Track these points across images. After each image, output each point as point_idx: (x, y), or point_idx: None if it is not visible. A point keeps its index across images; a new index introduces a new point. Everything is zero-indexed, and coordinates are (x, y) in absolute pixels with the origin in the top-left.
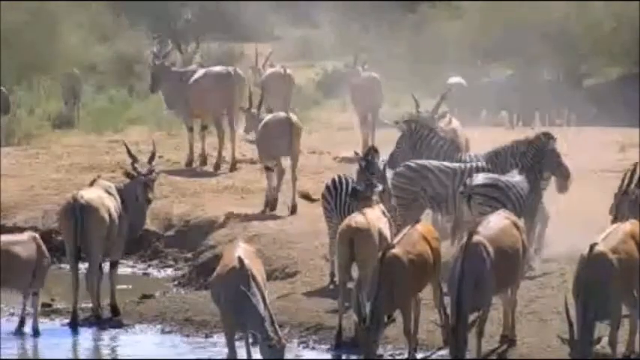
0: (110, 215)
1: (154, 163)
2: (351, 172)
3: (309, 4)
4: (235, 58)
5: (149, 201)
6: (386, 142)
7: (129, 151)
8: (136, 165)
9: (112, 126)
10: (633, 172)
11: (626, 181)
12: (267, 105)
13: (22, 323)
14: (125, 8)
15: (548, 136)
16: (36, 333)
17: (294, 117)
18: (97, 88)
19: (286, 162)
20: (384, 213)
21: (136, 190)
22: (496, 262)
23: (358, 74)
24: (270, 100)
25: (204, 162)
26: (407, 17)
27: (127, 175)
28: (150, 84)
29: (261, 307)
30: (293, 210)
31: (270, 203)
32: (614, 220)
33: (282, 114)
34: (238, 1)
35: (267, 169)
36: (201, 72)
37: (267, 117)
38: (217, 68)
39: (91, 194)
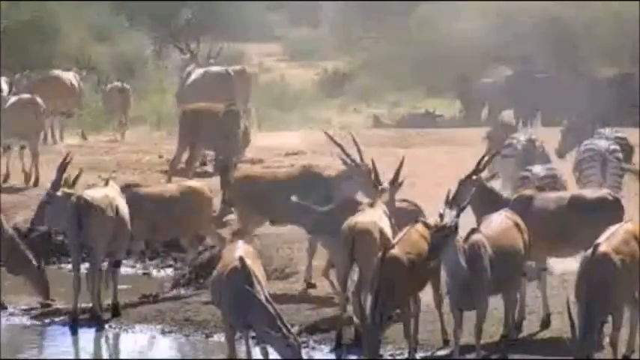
0: (119, 215)
1: None
2: None
3: (309, 4)
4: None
5: None
6: (384, 144)
7: None
8: None
9: (111, 126)
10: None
11: None
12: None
13: None
14: (125, 8)
15: None
16: None
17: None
18: (96, 87)
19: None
20: (385, 212)
21: None
22: (496, 262)
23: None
24: None
25: (204, 162)
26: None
27: None
28: None
29: (269, 306)
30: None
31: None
32: None
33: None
34: (238, 1)
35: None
36: (199, 72)
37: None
38: (215, 68)
39: (98, 194)
